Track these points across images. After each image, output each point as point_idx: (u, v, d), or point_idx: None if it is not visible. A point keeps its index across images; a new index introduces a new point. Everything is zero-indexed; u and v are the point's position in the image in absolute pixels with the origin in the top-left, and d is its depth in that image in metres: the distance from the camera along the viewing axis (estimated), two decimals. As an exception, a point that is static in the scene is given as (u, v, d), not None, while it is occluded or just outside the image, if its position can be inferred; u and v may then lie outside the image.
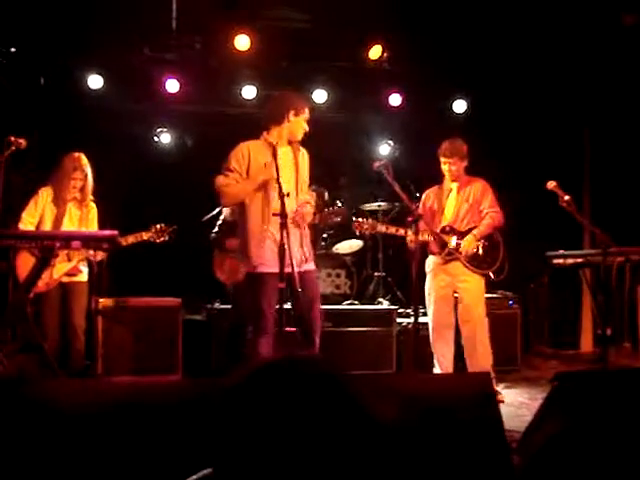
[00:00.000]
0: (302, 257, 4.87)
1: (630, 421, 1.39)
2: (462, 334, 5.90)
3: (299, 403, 1.39)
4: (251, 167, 4.84)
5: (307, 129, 5.03)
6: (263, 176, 4.81)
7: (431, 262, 5.97)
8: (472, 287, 5.86)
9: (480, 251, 5.86)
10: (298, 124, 4.98)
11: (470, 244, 5.79)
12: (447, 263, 5.86)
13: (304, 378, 1.43)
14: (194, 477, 1.53)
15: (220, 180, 4.88)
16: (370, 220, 5.79)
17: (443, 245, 5.81)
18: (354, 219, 5.84)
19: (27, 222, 5.53)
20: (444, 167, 5.93)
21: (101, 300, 6.08)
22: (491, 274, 5.90)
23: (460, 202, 5.93)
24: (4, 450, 2.68)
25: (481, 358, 5.77)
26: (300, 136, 5.03)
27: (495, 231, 5.93)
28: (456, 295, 5.91)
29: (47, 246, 4.31)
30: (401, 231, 5.71)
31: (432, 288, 5.92)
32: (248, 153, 4.88)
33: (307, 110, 5.02)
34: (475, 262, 5.85)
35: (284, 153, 4.94)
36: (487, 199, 5.94)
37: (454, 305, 5.91)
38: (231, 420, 1.42)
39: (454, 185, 5.98)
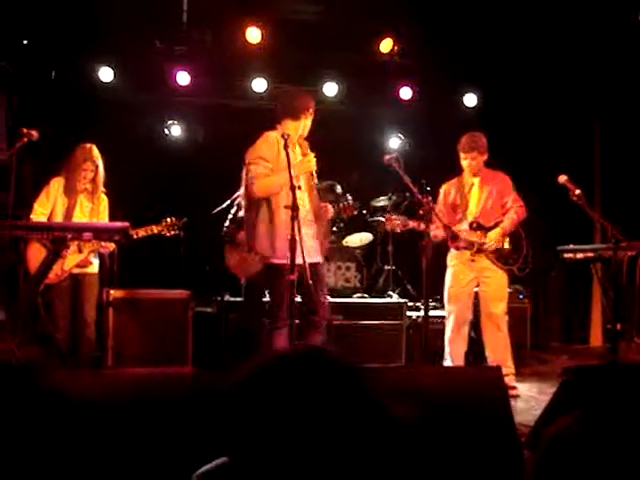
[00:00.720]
0: (316, 250, 4.94)
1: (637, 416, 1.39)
2: (483, 329, 5.88)
3: (315, 393, 1.39)
4: (281, 157, 4.81)
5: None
6: (303, 169, 4.91)
7: (455, 256, 5.94)
8: (496, 282, 5.86)
9: (506, 246, 5.86)
10: (309, 122, 5.11)
11: (497, 238, 5.78)
12: (474, 261, 5.84)
13: (320, 369, 1.44)
14: (208, 466, 1.54)
15: (254, 170, 4.86)
16: (402, 217, 5.71)
17: (454, 237, 5.78)
18: (386, 216, 5.81)
19: (39, 213, 5.55)
20: (464, 162, 5.90)
21: (112, 292, 6.10)
22: (515, 270, 5.90)
23: (485, 197, 5.91)
24: (15, 439, 2.70)
25: (503, 353, 5.80)
26: (306, 133, 5.15)
27: (520, 226, 5.93)
28: (476, 289, 5.90)
29: (59, 237, 4.33)
30: (432, 227, 5.53)
31: (455, 283, 5.89)
32: (277, 142, 4.89)
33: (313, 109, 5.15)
34: (502, 258, 5.84)
35: (295, 148, 5.01)
36: (510, 193, 5.94)
37: (473, 301, 5.91)
38: (248, 409, 1.43)
39: (476, 180, 5.95)
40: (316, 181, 5.17)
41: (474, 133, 5.92)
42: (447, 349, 5.87)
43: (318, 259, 5.01)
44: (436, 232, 5.67)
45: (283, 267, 4.69)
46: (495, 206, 5.90)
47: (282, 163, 4.78)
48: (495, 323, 5.83)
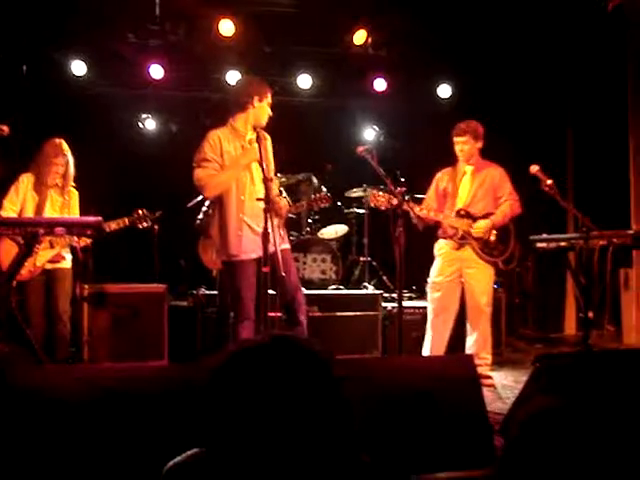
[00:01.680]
0: (279, 239, 4.80)
1: (609, 401, 1.41)
2: (467, 319, 5.89)
3: (282, 380, 1.41)
4: (224, 154, 4.82)
5: (271, 113, 5.01)
6: (247, 159, 4.82)
7: (442, 246, 5.90)
8: (481, 274, 5.81)
9: (492, 238, 5.79)
10: (262, 109, 4.95)
11: (485, 228, 5.73)
12: (459, 248, 5.80)
13: (287, 356, 1.46)
14: (180, 457, 1.55)
15: (199, 173, 4.84)
16: (387, 194, 5.52)
17: (424, 226, 5.74)
18: (371, 192, 5.68)
19: (9, 209, 5.49)
20: (456, 147, 5.83)
21: (86, 287, 6.07)
22: (500, 263, 5.85)
23: (476, 186, 5.84)
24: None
25: (481, 343, 5.81)
26: (265, 121, 5.00)
27: (510, 220, 5.89)
28: (462, 280, 5.86)
29: (31, 233, 4.30)
30: (416, 210, 5.53)
31: (441, 272, 5.85)
32: (219, 140, 4.85)
33: (270, 95, 5.01)
34: (487, 249, 5.79)
35: (252, 139, 4.92)
36: (506, 186, 5.88)
37: (460, 291, 5.87)
38: (218, 399, 1.44)
39: (469, 168, 5.88)
40: (272, 172, 5.05)
41: (471, 120, 5.88)
42: (428, 337, 5.85)
43: (284, 246, 4.98)
44: (421, 213, 5.63)
45: (237, 262, 4.76)
46: (486, 196, 5.83)
47: (227, 159, 4.81)
48: (476, 315, 5.82)
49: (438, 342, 5.81)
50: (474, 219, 5.77)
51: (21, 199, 5.56)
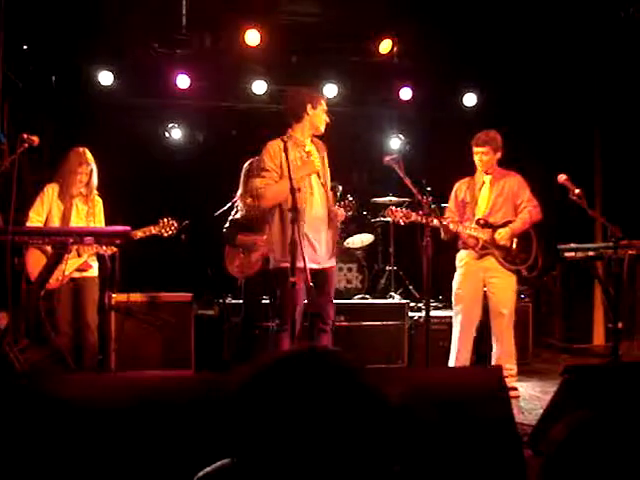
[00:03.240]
0: (328, 254, 5.03)
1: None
2: (492, 329, 5.85)
3: (315, 393, 1.40)
4: (283, 164, 4.88)
5: (328, 120, 5.12)
6: (306, 171, 4.93)
7: (464, 257, 5.88)
8: (504, 283, 5.79)
9: (514, 246, 5.78)
10: (317, 116, 5.06)
11: (505, 237, 5.71)
12: (481, 258, 5.78)
13: (320, 368, 1.45)
14: (210, 467, 1.55)
15: (257, 182, 4.94)
16: (404, 209, 5.61)
17: (451, 236, 5.74)
18: (389, 208, 5.67)
19: (34, 220, 5.54)
20: (475, 157, 5.82)
21: (114, 295, 6.11)
22: (523, 270, 5.82)
23: (495, 195, 5.83)
24: (20, 444, 2.71)
25: (507, 354, 5.78)
26: (322, 128, 5.11)
27: (531, 227, 5.86)
28: (485, 290, 5.83)
29: (60, 242, 4.34)
30: (435, 222, 5.51)
31: (464, 284, 5.83)
32: (279, 150, 4.91)
33: (324, 101, 5.12)
34: (509, 257, 5.77)
35: (311, 150, 5.07)
36: (525, 193, 5.85)
37: (483, 301, 5.85)
38: (249, 410, 1.44)
39: (487, 178, 5.87)
40: (329, 182, 5.17)
41: (490, 130, 5.86)
42: (454, 349, 5.82)
43: (330, 263, 5.10)
44: (445, 223, 5.66)
45: (298, 270, 4.71)
46: (506, 205, 5.81)
47: (285, 172, 4.86)
48: (501, 325, 5.79)
49: (464, 355, 5.78)
50: (494, 228, 5.75)
51: (46, 209, 5.61)
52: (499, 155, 5.84)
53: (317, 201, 5.00)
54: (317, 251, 4.95)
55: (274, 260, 4.95)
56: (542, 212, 5.88)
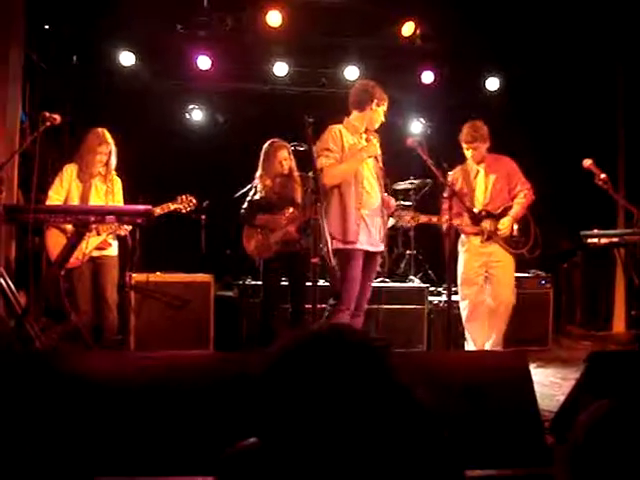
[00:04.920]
0: (381, 239, 5.26)
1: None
2: (489, 310, 5.86)
3: (343, 373, 1.38)
4: (344, 147, 5.12)
5: (384, 120, 5.36)
6: (368, 153, 5.15)
7: (466, 242, 5.93)
8: (506, 268, 5.85)
9: (514, 232, 5.85)
10: (377, 114, 5.30)
11: (509, 226, 5.79)
12: (484, 246, 5.84)
13: (348, 349, 1.43)
14: (237, 446, 1.53)
15: (323, 161, 5.05)
16: (411, 212, 5.76)
17: (478, 220, 5.76)
18: (395, 213, 5.79)
19: (54, 199, 5.56)
20: (467, 152, 5.91)
21: (134, 275, 6.12)
22: (526, 253, 5.88)
23: (492, 183, 5.89)
24: (39, 420, 2.72)
25: (496, 342, 5.79)
26: (377, 126, 5.34)
27: (527, 208, 5.91)
28: (486, 274, 5.87)
29: (82, 220, 4.34)
30: (443, 219, 5.62)
31: (470, 267, 5.87)
32: (340, 133, 5.15)
33: (386, 103, 5.35)
34: (512, 242, 5.85)
35: (362, 138, 5.26)
36: (519, 177, 5.92)
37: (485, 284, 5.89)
38: (275, 390, 1.42)
39: (481, 167, 5.93)
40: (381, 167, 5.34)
41: (474, 123, 5.90)
42: (467, 332, 5.84)
43: (381, 248, 5.34)
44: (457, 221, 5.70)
45: (351, 250, 5.03)
46: (502, 191, 5.89)
47: (347, 153, 5.09)
48: (498, 309, 5.81)
49: (478, 336, 5.81)
50: (496, 217, 5.83)
51: (66, 189, 5.62)
52: (488, 144, 5.92)
53: (374, 186, 5.21)
54: (372, 234, 5.15)
55: (341, 240, 5.05)
56: (534, 192, 5.94)
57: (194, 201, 5.86)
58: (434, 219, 5.75)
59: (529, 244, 5.90)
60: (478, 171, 5.94)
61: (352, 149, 5.13)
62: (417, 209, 6.13)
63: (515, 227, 5.85)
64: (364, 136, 5.26)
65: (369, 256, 5.17)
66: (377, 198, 5.23)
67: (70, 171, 5.66)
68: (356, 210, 5.06)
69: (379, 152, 5.24)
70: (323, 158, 5.05)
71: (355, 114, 5.28)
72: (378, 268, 7.45)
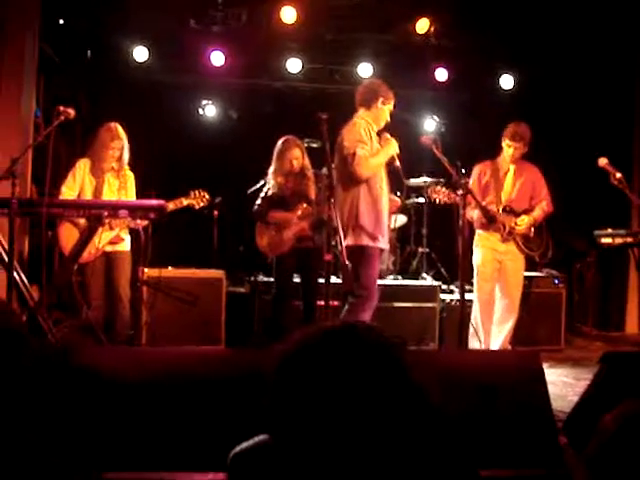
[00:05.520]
0: (387, 236, 5.35)
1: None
2: (497, 310, 5.87)
3: (356, 370, 1.37)
4: (372, 141, 5.23)
5: (389, 120, 5.40)
6: (393, 149, 5.25)
7: (482, 237, 5.96)
8: (517, 267, 5.93)
9: (532, 234, 5.94)
10: (383, 113, 5.36)
11: (528, 224, 5.87)
12: (504, 242, 5.89)
13: (362, 345, 1.42)
14: (247, 443, 1.52)
15: (361, 152, 5.11)
16: (446, 190, 5.70)
17: (490, 219, 5.75)
18: (431, 187, 5.86)
19: (67, 194, 5.56)
20: (508, 150, 5.93)
21: (146, 270, 6.13)
22: (537, 257, 5.99)
23: (520, 183, 5.97)
24: (52, 414, 2.72)
25: (508, 338, 5.82)
26: (382, 124, 5.39)
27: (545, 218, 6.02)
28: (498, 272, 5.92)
29: (95, 215, 4.34)
30: (467, 209, 5.49)
31: (486, 261, 5.91)
32: (369, 128, 5.25)
33: (392, 102, 5.40)
34: (528, 243, 5.93)
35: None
36: (543, 186, 6.03)
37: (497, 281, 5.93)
38: (286, 386, 1.41)
39: (512, 166, 5.99)
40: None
41: (522, 123, 5.95)
42: (480, 327, 5.81)
43: (387, 246, 5.48)
44: (471, 213, 5.75)
45: (380, 250, 5.22)
46: (526, 194, 5.98)
47: (374, 146, 5.18)
48: (510, 306, 5.86)
49: (488, 337, 5.80)
50: (516, 215, 5.90)
51: (79, 184, 5.63)
52: (527, 149, 5.97)
53: (385, 185, 5.33)
54: (385, 233, 5.29)
55: (366, 238, 5.13)
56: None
57: (207, 196, 5.87)
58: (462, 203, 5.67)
59: (541, 249, 6.00)
60: (509, 169, 6.01)
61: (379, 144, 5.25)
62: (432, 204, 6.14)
63: (532, 230, 5.92)
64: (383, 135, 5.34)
65: (381, 254, 5.35)
66: (387, 197, 5.35)
67: (83, 166, 5.67)
68: (379, 206, 5.19)
69: (397, 151, 5.29)
70: (359, 149, 5.10)
71: (362, 111, 5.33)
72: (390, 266, 7.53)
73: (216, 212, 7.05)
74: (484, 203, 5.77)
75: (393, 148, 5.25)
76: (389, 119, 5.40)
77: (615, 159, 5.60)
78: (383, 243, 5.25)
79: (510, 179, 5.99)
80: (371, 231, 5.13)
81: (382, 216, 5.20)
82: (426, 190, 5.84)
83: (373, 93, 5.32)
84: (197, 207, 5.84)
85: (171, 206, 5.62)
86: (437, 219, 7.52)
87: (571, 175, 7.95)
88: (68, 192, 5.58)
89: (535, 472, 2.69)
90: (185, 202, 5.76)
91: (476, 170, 6.10)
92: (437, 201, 5.69)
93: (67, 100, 5.98)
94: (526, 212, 5.92)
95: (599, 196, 7.02)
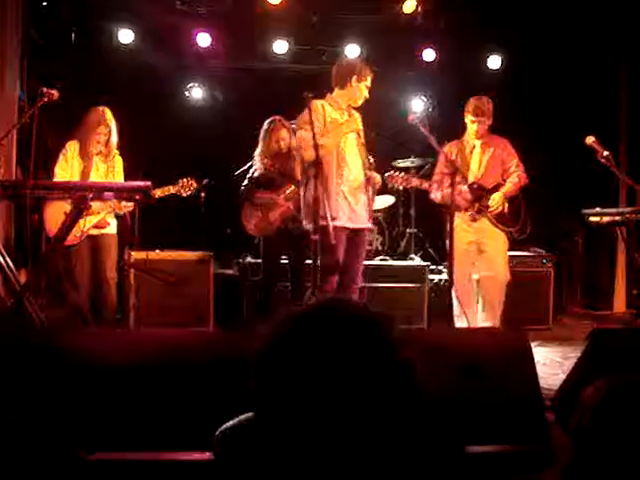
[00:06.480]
0: (367, 215, 5.26)
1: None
2: (481, 294, 5.82)
3: (343, 344, 1.36)
4: (327, 121, 5.15)
5: (367, 96, 5.29)
6: (349, 127, 5.17)
7: (456, 218, 5.88)
8: (499, 244, 5.84)
9: (506, 210, 5.83)
10: (359, 90, 5.27)
11: (499, 201, 5.77)
12: (475, 220, 5.83)
13: (337, 318, 1.41)
14: (233, 421, 1.52)
15: (303, 134, 5.06)
16: (404, 174, 5.70)
17: (477, 198, 5.74)
18: (388, 173, 5.76)
19: (60, 176, 5.56)
20: (472, 126, 5.86)
21: (133, 253, 6.10)
22: (514, 232, 5.88)
23: (487, 159, 5.89)
24: (38, 398, 2.71)
25: (496, 315, 5.77)
26: (359, 102, 5.32)
27: (519, 190, 5.92)
28: (478, 251, 5.86)
29: (80, 197, 4.30)
30: (433, 187, 5.69)
31: (459, 240, 5.72)
32: (322, 108, 5.17)
33: (369, 78, 5.27)
34: (502, 220, 5.83)
35: (344, 114, 5.28)
36: (514, 158, 5.93)
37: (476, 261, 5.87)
38: (270, 365, 1.40)
39: (477, 142, 5.92)
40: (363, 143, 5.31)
41: (482, 97, 5.87)
42: (458, 306, 5.69)
43: (368, 225, 5.32)
44: (436, 194, 5.76)
45: (341, 229, 5.01)
46: (496, 168, 5.90)
47: (329, 127, 5.09)
48: (495, 284, 5.80)
49: (471, 315, 5.72)
50: (487, 192, 5.82)
51: (70, 166, 5.61)
52: (491, 122, 5.90)
53: (355, 162, 5.19)
54: (355, 210, 5.13)
55: (322, 216, 4.94)
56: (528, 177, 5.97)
57: (195, 185, 5.86)
58: (425, 184, 5.75)
59: (519, 224, 5.90)
60: (474, 146, 5.93)
61: (333, 124, 5.14)
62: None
63: (506, 205, 5.82)
64: (345, 113, 5.27)
65: (354, 233, 5.17)
66: (360, 174, 5.21)
67: (73, 148, 5.66)
68: (336, 185, 5.06)
69: (361, 127, 5.24)
70: (303, 131, 5.06)
71: (337, 91, 5.29)
72: (379, 247, 7.50)
73: (203, 194, 7.02)
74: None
75: (351, 126, 5.19)
76: (367, 95, 5.30)
77: (603, 137, 5.60)
78: (342, 222, 5.05)
79: (477, 156, 5.92)
80: (330, 212, 4.94)
81: (337, 196, 5.04)
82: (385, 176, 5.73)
83: (347, 72, 5.25)
84: (184, 195, 5.82)
85: (158, 193, 5.62)
86: (425, 200, 7.51)
87: (559, 154, 7.95)
88: (61, 173, 5.58)
89: (517, 449, 2.70)
90: (172, 190, 5.75)
91: (443, 152, 5.97)
92: (395, 188, 5.67)
93: (51, 83, 5.93)
94: (497, 188, 5.83)
95: (587, 175, 7.01)
